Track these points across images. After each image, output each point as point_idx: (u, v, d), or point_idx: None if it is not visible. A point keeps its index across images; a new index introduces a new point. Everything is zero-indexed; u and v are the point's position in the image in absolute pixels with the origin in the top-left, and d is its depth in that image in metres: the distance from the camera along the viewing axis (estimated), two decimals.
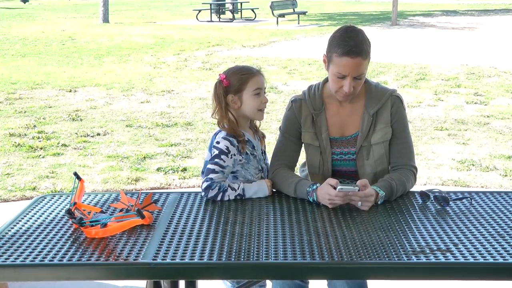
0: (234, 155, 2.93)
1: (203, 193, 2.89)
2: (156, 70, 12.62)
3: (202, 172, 3.06)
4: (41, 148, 6.96)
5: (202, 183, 2.90)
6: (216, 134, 3.00)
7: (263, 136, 3.19)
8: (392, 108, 3.02)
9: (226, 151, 2.91)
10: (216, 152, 2.92)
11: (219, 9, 25.43)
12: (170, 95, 10.13)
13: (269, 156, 3.18)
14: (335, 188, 2.73)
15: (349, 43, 2.84)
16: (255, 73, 2.99)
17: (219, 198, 2.87)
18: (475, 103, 9.26)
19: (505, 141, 7.20)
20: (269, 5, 23.28)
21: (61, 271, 2.32)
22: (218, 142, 2.93)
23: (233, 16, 25.57)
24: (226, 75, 2.97)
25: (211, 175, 2.88)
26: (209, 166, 2.91)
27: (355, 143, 3.05)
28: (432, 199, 2.83)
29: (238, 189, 2.90)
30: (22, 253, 2.36)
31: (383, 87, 3.10)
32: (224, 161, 2.90)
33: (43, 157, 6.68)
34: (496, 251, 2.32)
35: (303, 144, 3.14)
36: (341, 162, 3.09)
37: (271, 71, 12.37)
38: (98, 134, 7.63)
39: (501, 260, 2.26)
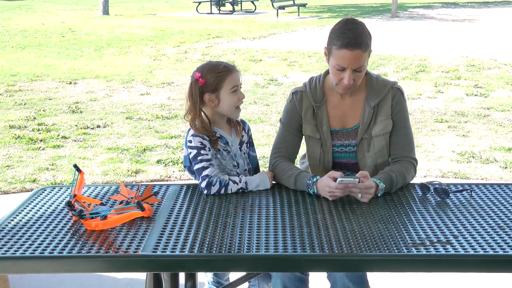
0: (210, 149, 2.90)
1: (205, 191, 2.86)
2: (156, 62, 12.61)
3: (185, 166, 3.03)
4: (41, 140, 6.96)
5: (200, 182, 2.87)
6: (189, 130, 2.96)
7: (239, 124, 3.10)
8: (393, 100, 3.02)
9: (202, 146, 2.88)
10: (194, 151, 2.88)
11: (219, 1, 25.38)
12: (170, 87, 10.12)
13: (268, 148, 3.17)
14: (335, 180, 2.73)
15: (348, 35, 2.83)
16: (231, 70, 2.94)
17: (222, 192, 2.86)
18: (475, 95, 9.25)
19: (505, 133, 7.20)
20: None
21: (61, 264, 2.33)
22: (190, 141, 2.90)
23: (233, 8, 25.51)
24: (201, 73, 2.90)
25: (205, 172, 2.86)
26: (197, 166, 2.88)
27: (355, 135, 3.05)
28: (432, 191, 2.83)
29: (240, 182, 2.88)
30: (22, 245, 2.36)
31: (384, 79, 3.09)
32: (207, 154, 2.88)
33: (43, 149, 6.68)
34: (496, 243, 2.32)
35: (303, 136, 3.14)
36: (342, 154, 3.09)
37: (271, 63, 12.35)
38: (98, 126, 7.62)
39: (501, 252, 2.26)
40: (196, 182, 2.99)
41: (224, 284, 3.24)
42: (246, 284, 3.23)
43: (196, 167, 2.88)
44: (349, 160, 3.09)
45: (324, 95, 3.06)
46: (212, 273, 3.24)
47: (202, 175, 2.86)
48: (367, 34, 2.89)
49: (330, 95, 3.07)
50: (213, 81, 2.90)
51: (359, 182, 2.72)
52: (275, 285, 3.06)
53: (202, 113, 2.94)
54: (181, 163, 6.06)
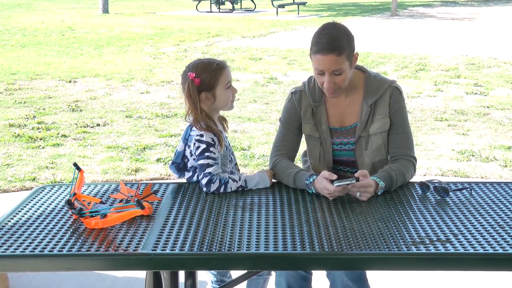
0: (218, 147, 2.91)
1: (204, 189, 2.86)
2: (156, 61, 12.61)
3: (173, 163, 3.02)
4: (41, 139, 6.96)
5: (201, 179, 2.87)
6: (191, 126, 2.96)
7: (225, 120, 3.12)
8: (391, 99, 3.02)
9: (213, 143, 2.89)
10: (203, 146, 2.88)
11: (218, 0, 25.38)
12: (170, 85, 10.12)
13: (268, 146, 3.17)
14: (331, 181, 2.73)
15: (322, 40, 2.84)
16: (224, 67, 2.96)
17: (221, 190, 2.86)
18: (475, 93, 9.25)
19: (505, 131, 7.20)
20: None
21: (60, 262, 2.32)
22: (201, 135, 2.89)
23: (233, 6, 25.50)
24: (195, 73, 2.90)
25: (208, 169, 2.86)
26: (202, 161, 2.87)
27: (354, 133, 3.05)
28: (432, 189, 2.83)
29: (239, 180, 2.89)
30: (21, 243, 2.36)
31: (382, 78, 3.09)
32: (214, 153, 2.88)
33: (43, 147, 6.68)
34: (496, 241, 2.32)
35: (303, 135, 3.14)
36: (341, 152, 3.10)
37: (271, 61, 12.35)
38: (98, 125, 7.62)
39: (500, 251, 2.26)
40: (186, 180, 3.00)
41: (227, 282, 3.23)
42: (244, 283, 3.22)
43: (200, 162, 2.88)
44: (348, 158, 3.10)
45: (322, 94, 3.07)
46: (214, 272, 3.24)
47: (205, 171, 2.86)
48: (344, 37, 2.87)
49: None
50: (208, 80, 2.91)
51: (356, 181, 2.72)
52: (279, 283, 3.06)
53: (204, 112, 2.94)
54: None
